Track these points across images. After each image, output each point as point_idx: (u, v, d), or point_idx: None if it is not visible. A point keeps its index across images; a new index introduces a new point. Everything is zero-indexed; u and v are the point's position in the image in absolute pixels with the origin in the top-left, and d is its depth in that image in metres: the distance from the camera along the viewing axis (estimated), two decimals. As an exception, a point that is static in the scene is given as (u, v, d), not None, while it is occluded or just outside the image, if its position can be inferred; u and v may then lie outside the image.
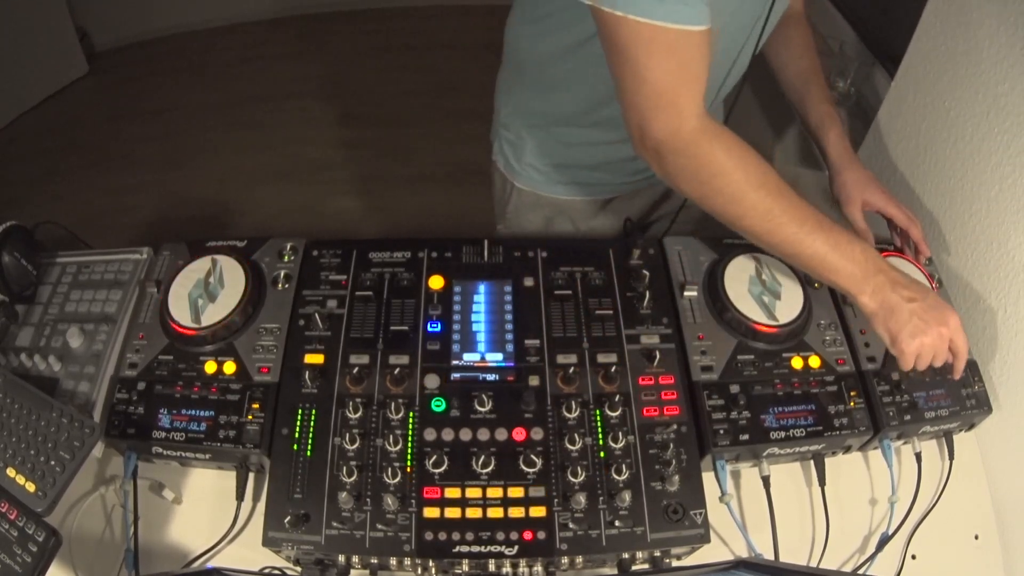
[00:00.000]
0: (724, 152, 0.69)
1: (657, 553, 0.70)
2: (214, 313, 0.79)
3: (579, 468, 0.71)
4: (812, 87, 0.96)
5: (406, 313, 0.81)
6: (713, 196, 0.71)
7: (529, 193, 1.06)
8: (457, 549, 0.67)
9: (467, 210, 2.09)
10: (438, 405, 0.74)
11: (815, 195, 0.94)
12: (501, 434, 0.73)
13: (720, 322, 0.83)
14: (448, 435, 0.73)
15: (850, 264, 0.71)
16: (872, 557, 0.78)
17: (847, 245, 0.71)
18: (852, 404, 0.78)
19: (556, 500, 0.70)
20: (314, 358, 0.78)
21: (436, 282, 0.83)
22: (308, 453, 0.72)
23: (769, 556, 0.76)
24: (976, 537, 0.83)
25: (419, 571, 0.71)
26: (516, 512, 0.69)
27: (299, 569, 0.72)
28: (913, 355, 0.73)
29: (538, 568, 0.69)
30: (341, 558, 0.69)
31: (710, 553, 0.74)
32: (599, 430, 0.74)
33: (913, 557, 0.80)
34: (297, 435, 0.73)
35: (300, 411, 0.74)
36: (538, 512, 0.69)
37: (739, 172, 0.69)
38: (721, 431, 0.75)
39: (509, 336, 0.80)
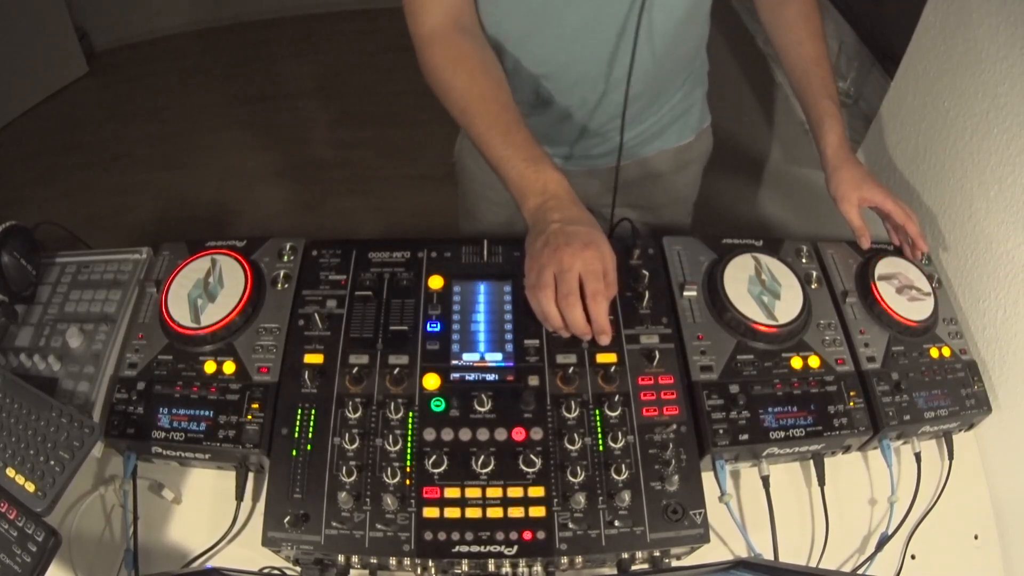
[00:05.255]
0: (440, 55, 0.82)
1: (657, 553, 0.70)
2: (214, 313, 0.79)
3: (579, 468, 0.71)
4: (813, 78, 0.93)
5: (405, 313, 0.81)
6: (436, 88, 0.83)
7: (469, 145, 1.07)
8: (456, 549, 0.67)
9: (467, 210, 2.08)
10: (437, 405, 0.74)
11: (820, 196, 0.94)
12: (500, 434, 0.73)
13: (719, 322, 0.83)
14: (447, 435, 0.73)
15: (518, 178, 0.76)
16: (872, 557, 0.78)
17: (522, 163, 0.76)
18: (852, 404, 0.78)
19: (556, 500, 0.70)
20: (314, 358, 0.78)
21: (436, 282, 0.83)
22: (308, 453, 0.72)
23: (769, 556, 0.76)
24: (976, 537, 0.83)
25: (419, 571, 0.71)
26: (515, 512, 0.69)
27: (298, 569, 0.72)
28: (545, 268, 0.70)
29: (538, 568, 0.69)
30: (341, 558, 0.69)
31: (710, 553, 0.74)
32: (599, 430, 0.74)
33: (913, 557, 0.80)
34: (297, 435, 0.73)
35: (300, 411, 0.74)
36: (537, 512, 0.69)
37: (448, 73, 0.81)
38: (720, 431, 0.75)
39: (508, 336, 0.80)
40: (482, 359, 0.78)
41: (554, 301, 0.71)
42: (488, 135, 0.78)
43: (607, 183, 1.09)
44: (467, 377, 0.77)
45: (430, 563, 0.69)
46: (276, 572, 0.73)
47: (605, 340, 0.73)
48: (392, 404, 0.74)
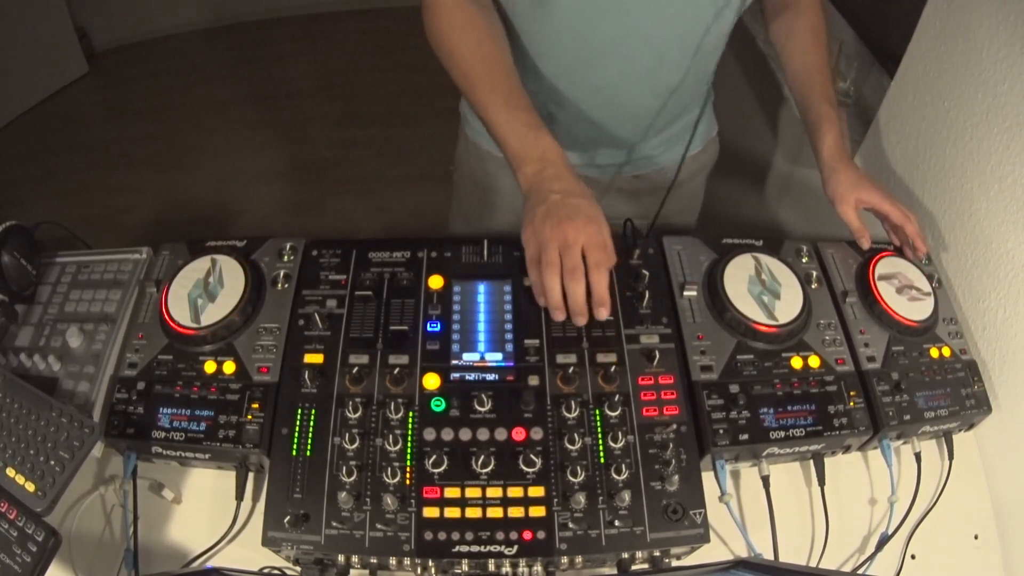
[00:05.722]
0: (446, 20, 0.82)
1: (657, 553, 0.69)
2: (214, 313, 0.79)
3: (579, 468, 0.71)
4: (815, 84, 0.95)
5: (406, 313, 0.81)
6: (440, 52, 0.83)
7: (474, 145, 1.07)
8: (457, 549, 0.67)
9: (467, 210, 2.08)
10: (437, 405, 0.74)
11: (820, 196, 0.94)
12: (501, 434, 0.73)
13: (720, 322, 0.83)
14: (448, 435, 0.73)
15: (517, 143, 0.77)
16: (872, 557, 0.78)
17: (522, 128, 0.77)
18: (852, 404, 0.78)
19: (556, 500, 0.70)
20: (314, 358, 0.78)
21: (436, 282, 0.83)
22: (308, 453, 0.72)
23: (769, 556, 0.76)
24: (976, 537, 0.83)
25: (419, 571, 0.71)
26: (516, 512, 0.69)
27: (299, 569, 0.72)
28: (550, 243, 0.71)
29: (538, 568, 0.69)
30: (341, 558, 0.69)
31: (710, 553, 0.74)
32: (599, 430, 0.74)
33: (912, 557, 0.80)
34: (297, 435, 0.73)
35: (300, 411, 0.74)
36: (537, 512, 0.69)
37: (455, 38, 0.82)
38: (721, 431, 0.75)
39: (509, 336, 0.80)
40: (482, 359, 0.78)
41: (559, 276, 0.71)
42: (489, 99, 0.79)
43: (618, 191, 1.10)
44: (467, 377, 0.77)
45: (430, 563, 0.69)
46: (276, 572, 0.73)
47: (604, 313, 0.74)
48: (392, 404, 0.74)
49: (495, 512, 0.68)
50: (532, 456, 0.70)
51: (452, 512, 0.68)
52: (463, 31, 0.82)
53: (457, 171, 1.19)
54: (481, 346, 0.79)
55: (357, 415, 0.73)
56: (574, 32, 0.85)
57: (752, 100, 1.55)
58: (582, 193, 0.74)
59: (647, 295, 0.83)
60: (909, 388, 0.80)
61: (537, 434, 0.73)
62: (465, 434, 0.73)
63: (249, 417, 0.73)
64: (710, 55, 0.93)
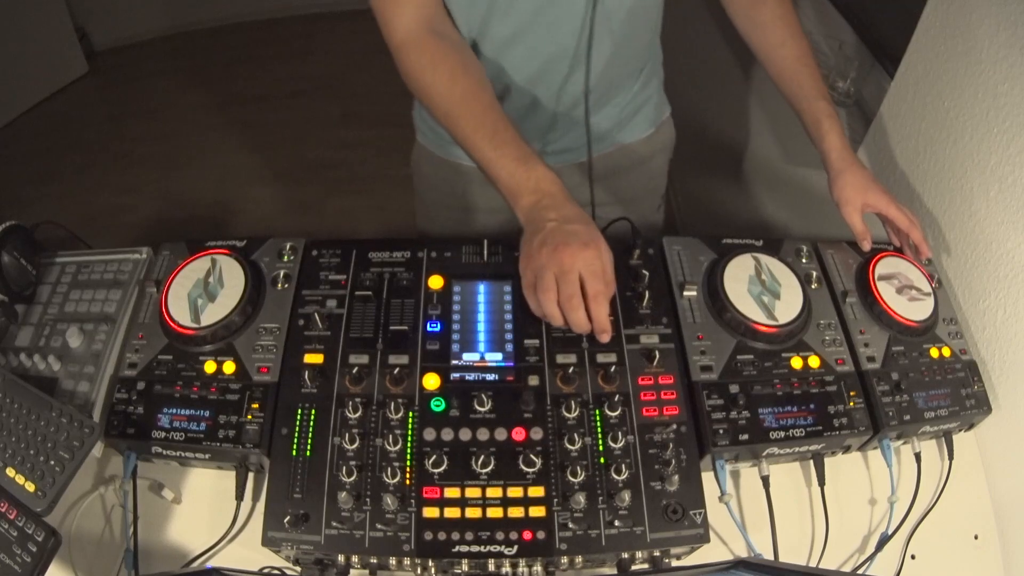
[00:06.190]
0: (415, 59, 0.81)
1: (656, 553, 0.69)
2: (214, 313, 0.79)
3: (578, 468, 0.71)
4: (803, 79, 0.92)
5: (405, 313, 0.81)
6: (417, 93, 0.83)
7: (427, 151, 1.07)
8: (456, 549, 0.67)
9: (467, 210, 2.08)
10: (437, 405, 0.74)
11: (820, 196, 0.94)
12: (500, 434, 0.73)
13: (719, 322, 0.83)
14: (447, 435, 0.73)
15: (508, 179, 0.75)
16: (872, 557, 0.78)
17: (512, 162, 0.75)
18: (851, 404, 0.78)
19: (556, 500, 0.70)
20: (313, 358, 0.78)
21: (435, 282, 0.83)
22: (308, 453, 0.72)
23: (769, 556, 0.76)
24: (976, 537, 0.83)
25: (419, 571, 0.71)
26: (515, 512, 0.69)
27: (299, 569, 0.72)
28: (545, 270, 0.70)
29: (538, 568, 0.69)
30: (341, 558, 0.69)
31: (710, 553, 0.74)
32: (598, 430, 0.74)
33: (912, 557, 0.80)
34: (296, 435, 0.73)
35: (300, 411, 0.74)
36: (537, 512, 0.69)
37: (428, 76, 0.80)
38: (720, 431, 0.75)
39: (508, 336, 0.80)
40: (482, 359, 0.78)
41: (556, 303, 0.71)
42: (475, 137, 0.77)
43: (578, 179, 1.09)
44: (467, 377, 0.77)
45: (430, 563, 0.69)
46: (276, 572, 0.73)
47: (605, 338, 0.73)
48: (392, 404, 0.74)
49: (495, 512, 0.68)
50: (532, 456, 0.70)
51: (452, 512, 0.68)
52: (434, 69, 0.80)
53: (415, 172, 1.18)
54: (481, 346, 0.79)
55: (357, 415, 0.73)
56: (498, 8, 0.85)
57: (751, 99, 1.55)
58: (579, 218, 0.73)
59: (647, 295, 0.83)
60: (909, 388, 0.80)
61: (537, 434, 0.73)
62: (465, 434, 0.73)
63: (249, 417, 0.73)
64: (624, 29, 0.91)
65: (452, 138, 0.81)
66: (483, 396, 0.74)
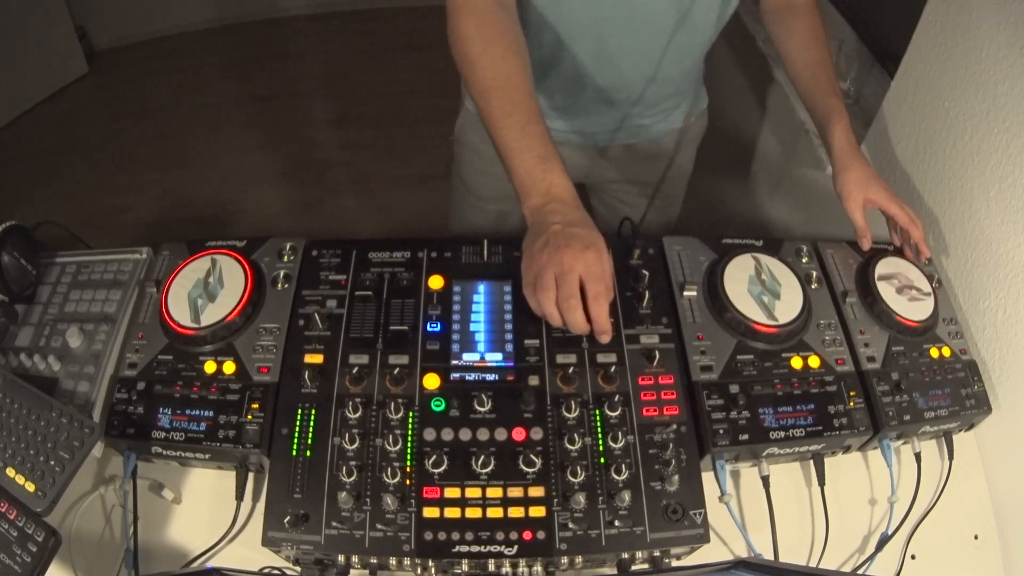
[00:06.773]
0: (475, 27, 0.78)
1: (657, 553, 0.69)
2: (214, 313, 0.79)
3: (579, 468, 0.71)
4: (820, 79, 0.96)
5: (406, 313, 0.81)
6: (461, 59, 0.80)
7: (476, 118, 1.07)
8: (457, 549, 0.67)
9: (467, 210, 2.08)
10: (438, 405, 0.74)
11: (820, 196, 0.94)
12: (501, 434, 0.73)
13: (720, 322, 0.83)
14: (448, 435, 0.73)
15: (525, 174, 0.74)
16: (872, 557, 0.78)
17: (533, 159, 0.74)
18: (852, 404, 0.78)
19: (556, 500, 0.70)
20: (314, 358, 0.78)
21: (436, 282, 0.83)
22: (308, 453, 0.72)
23: (769, 556, 0.76)
24: (976, 537, 0.83)
25: (419, 571, 0.71)
26: (516, 512, 0.69)
27: (299, 569, 0.72)
28: (546, 270, 0.70)
29: (538, 568, 0.69)
30: (341, 558, 0.69)
31: (710, 553, 0.74)
32: (599, 430, 0.74)
33: (913, 557, 0.80)
34: (297, 435, 0.73)
35: (300, 411, 0.74)
36: (538, 512, 0.69)
37: (480, 46, 0.78)
38: (721, 431, 0.75)
39: (509, 336, 0.80)
40: (482, 359, 0.78)
41: (555, 303, 0.71)
42: (506, 122, 0.76)
43: (610, 159, 1.13)
44: (467, 377, 0.77)
45: (430, 563, 0.69)
46: (276, 572, 0.73)
47: (605, 339, 0.73)
48: (392, 404, 0.74)
49: (495, 512, 0.69)
50: (532, 456, 0.70)
51: (452, 512, 0.68)
52: (490, 41, 0.78)
53: (458, 144, 1.19)
54: (481, 346, 0.79)
55: (357, 415, 0.73)
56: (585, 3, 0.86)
57: (752, 100, 1.55)
58: (583, 223, 0.73)
59: (647, 295, 0.83)
60: (909, 388, 0.80)
61: (537, 434, 0.73)
62: (465, 434, 0.73)
63: (249, 417, 0.73)
64: (708, 34, 0.96)
65: (479, 112, 0.80)
66: (483, 396, 0.74)
